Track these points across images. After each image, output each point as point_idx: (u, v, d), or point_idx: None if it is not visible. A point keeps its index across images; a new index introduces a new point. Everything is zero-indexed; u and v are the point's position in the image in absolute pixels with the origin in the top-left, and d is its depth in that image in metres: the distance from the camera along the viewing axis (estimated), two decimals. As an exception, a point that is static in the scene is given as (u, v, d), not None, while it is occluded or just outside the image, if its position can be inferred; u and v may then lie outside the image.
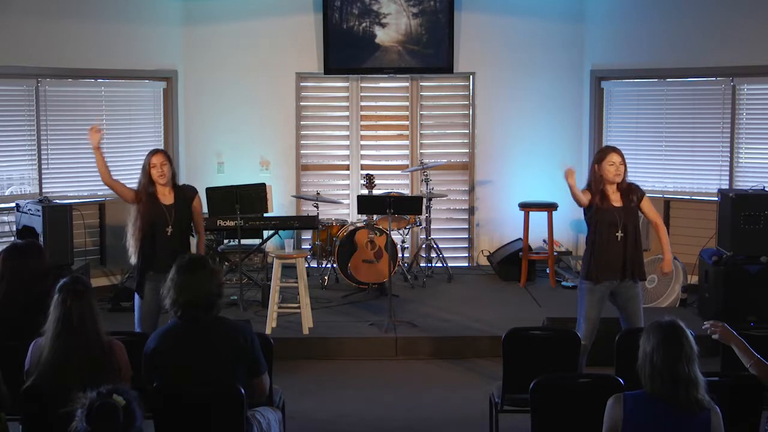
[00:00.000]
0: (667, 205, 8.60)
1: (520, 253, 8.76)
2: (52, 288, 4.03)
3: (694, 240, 8.26)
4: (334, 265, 8.46)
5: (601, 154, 5.71)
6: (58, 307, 3.87)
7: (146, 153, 6.02)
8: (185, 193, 6.00)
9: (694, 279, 7.94)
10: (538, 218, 8.79)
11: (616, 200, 5.62)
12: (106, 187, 8.52)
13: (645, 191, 5.75)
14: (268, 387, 4.24)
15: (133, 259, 5.88)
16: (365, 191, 8.29)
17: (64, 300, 3.86)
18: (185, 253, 5.19)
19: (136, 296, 5.85)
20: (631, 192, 5.64)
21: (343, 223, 8.70)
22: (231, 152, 9.34)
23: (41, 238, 7.19)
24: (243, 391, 3.88)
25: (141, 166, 5.93)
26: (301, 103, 9.53)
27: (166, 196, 5.89)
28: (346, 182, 9.60)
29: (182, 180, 8.83)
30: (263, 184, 8.02)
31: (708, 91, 8.47)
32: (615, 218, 5.58)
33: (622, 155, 5.62)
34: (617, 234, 5.57)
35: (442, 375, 6.64)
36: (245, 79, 9.29)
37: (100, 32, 8.42)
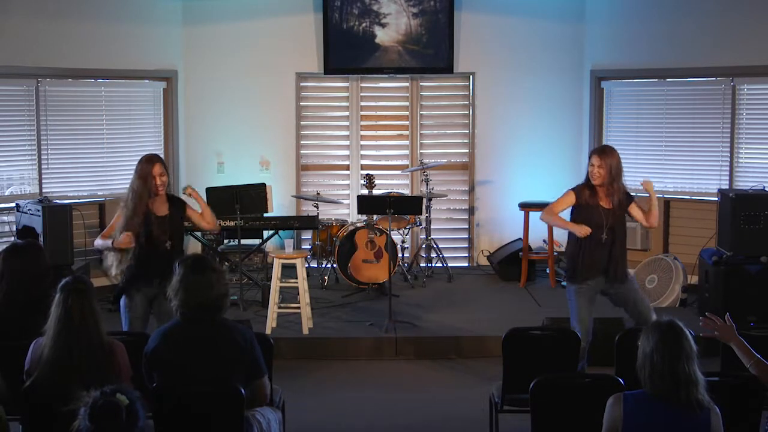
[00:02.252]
0: (667, 205, 8.60)
1: (520, 253, 8.76)
2: (52, 288, 4.03)
3: (694, 240, 8.26)
4: (334, 265, 8.46)
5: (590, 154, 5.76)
6: (60, 305, 3.87)
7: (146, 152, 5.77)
8: (176, 204, 5.61)
9: (694, 279, 7.95)
10: (538, 218, 8.75)
11: (605, 201, 5.60)
12: (105, 187, 8.64)
13: (634, 197, 5.74)
14: (269, 392, 4.22)
15: (113, 271, 5.42)
16: (365, 191, 8.29)
17: (66, 299, 3.86)
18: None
19: (123, 300, 5.49)
20: (621, 197, 5.58)
21: (343, 223, 8.70)
22: (231, 152, 9.34)
23: (41, 238, 7.18)
24: (243, 391, 3.88)
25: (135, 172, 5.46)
26: (301, 103, 9.52)
27: (160, 207, 5.50)
28: (346, 182, 9.59)
29: (183, 180, 8.88)
30: (263, 184, 8.03)
31: (708, 91, 8.47)
32: (602, 219, 5.57)
33: (602, 157, 5.51)
34: (602, 236, 5.57)
35: (441, 375, 6.64)
36: (245, 79, 9.28)
37: (100, 32, 8.42)
